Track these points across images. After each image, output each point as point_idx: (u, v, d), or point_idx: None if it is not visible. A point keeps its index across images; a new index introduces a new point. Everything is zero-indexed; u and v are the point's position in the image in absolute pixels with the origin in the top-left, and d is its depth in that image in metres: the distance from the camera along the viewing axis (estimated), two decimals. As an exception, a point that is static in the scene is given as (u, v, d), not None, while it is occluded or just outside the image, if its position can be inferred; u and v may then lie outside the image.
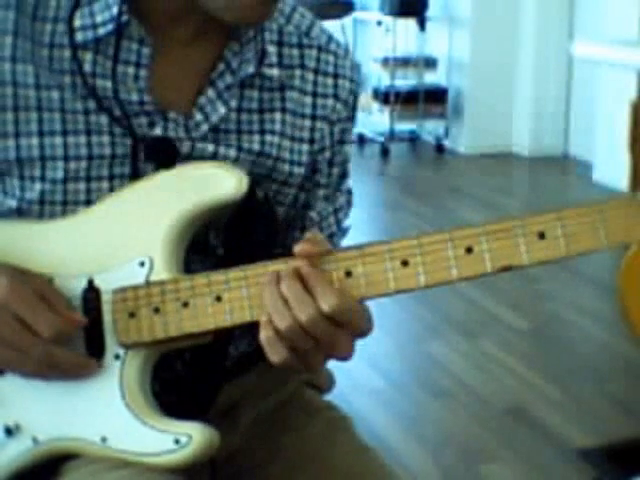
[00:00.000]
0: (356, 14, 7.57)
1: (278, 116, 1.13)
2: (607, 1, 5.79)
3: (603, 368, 3.39)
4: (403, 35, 7.14)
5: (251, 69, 1.10)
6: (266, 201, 1.10)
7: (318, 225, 1.20)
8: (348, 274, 0.98)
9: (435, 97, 7.05)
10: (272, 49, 1.12)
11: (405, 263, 0.97)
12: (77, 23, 1.05)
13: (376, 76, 7.15)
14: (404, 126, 7.14)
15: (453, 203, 5.66)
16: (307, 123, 1.15)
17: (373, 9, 7.31)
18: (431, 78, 7.17)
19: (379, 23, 7.09)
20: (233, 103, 1.10)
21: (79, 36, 1.05)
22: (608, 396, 3.11)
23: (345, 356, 0.99)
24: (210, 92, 1.09)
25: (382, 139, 6.96)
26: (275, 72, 1.12)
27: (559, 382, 3.22)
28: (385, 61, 7.04)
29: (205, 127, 1.09)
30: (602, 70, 5.68)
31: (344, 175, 1.22)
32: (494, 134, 6.91)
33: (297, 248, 0.97)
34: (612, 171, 5.66)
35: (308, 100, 1.14)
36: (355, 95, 1.19)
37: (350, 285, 0.98)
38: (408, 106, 7.00)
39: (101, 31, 1.05)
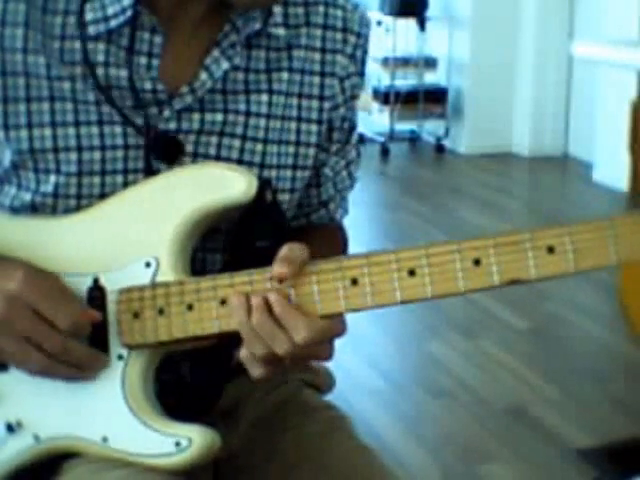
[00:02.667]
0: (356, 14, 7.55)
1: (285, 75, 1.12)
2: (607, 1, 5.79)
3: (603, 368, 3.38)
4: (403, 35, 7.14)
5: (257, 25, 1.09)
6: (274, 204, 1.10)
7: (332, 180, 1.20)
8: (354, 282, 0.96)
9: (435, 97, 7.05)
10: (277, 9, 1.11)
11: (412, 273, 0.95)
12: (89, 16, 1.06)
13: (376, 76, 7.14)
14: (404, 126, 7.13)
15: (453, 203, 5.66)
16: (316, 80, 1.14)
17: (373, 9, 7.30)
18: (431, 78, 7.16)
19: (379, 23, 7.07)
20: (237, 60, 1.09)
21: (91, 29, 1.06)
22: (608, 396, 3.11)
23: (326, 360, 1.00)
24: (215, 52, 1.09)
25: (382, 139, 6.96)
26: (281, 31, 1.11)
27: (559, 382, 3.22)
28: (385, 61, 7.04)
29: (209, 83, 1.08)
30: (602, 70, 5.68)
31: (353, 127, 1.22)
32: (494, 134, 6.91)
33: (273, 271, 0.97)
34: (612, 171, 5.67)
35: (317, 57, 1.14)
36: (364, 50, 1.18)
37: (355, 294, 0.96)
38: (408, 106, 6.99)
39: (113, 23, 1.05)
